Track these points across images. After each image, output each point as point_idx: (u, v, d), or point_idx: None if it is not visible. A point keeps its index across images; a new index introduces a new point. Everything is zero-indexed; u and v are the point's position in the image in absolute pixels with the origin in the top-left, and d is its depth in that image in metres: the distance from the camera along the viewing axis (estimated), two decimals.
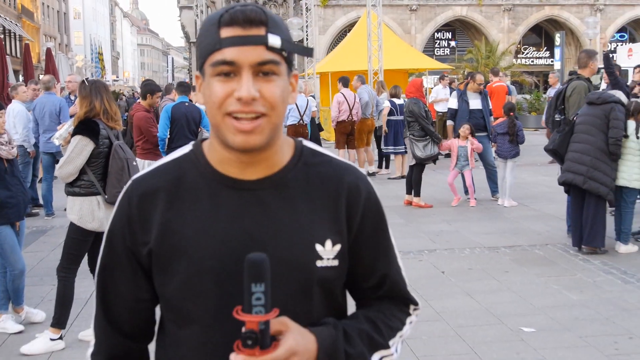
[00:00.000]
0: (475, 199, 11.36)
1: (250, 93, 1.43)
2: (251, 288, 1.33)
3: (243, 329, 1.34)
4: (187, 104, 9.82)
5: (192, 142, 1.66)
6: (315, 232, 1.57)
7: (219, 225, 1.52)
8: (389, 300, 1.72)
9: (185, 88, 10.40)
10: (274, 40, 1.45)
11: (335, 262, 1.58)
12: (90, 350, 1.68)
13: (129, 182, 1.62)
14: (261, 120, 1.46)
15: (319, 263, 1.56)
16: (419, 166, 11.37)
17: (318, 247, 1.56)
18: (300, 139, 1.68)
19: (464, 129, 11.27)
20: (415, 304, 1.77)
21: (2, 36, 34.53)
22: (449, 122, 12.05)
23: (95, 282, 1.67)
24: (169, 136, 9.56)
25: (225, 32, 1.45)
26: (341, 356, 1.53)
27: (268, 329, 1.36)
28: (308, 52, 1.58)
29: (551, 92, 15.07)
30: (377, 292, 1.71)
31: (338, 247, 1.59)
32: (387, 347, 1.65)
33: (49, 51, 24.55)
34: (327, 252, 1.57)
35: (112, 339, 1.65)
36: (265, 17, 1.46)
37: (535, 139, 18.77)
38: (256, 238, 1.51)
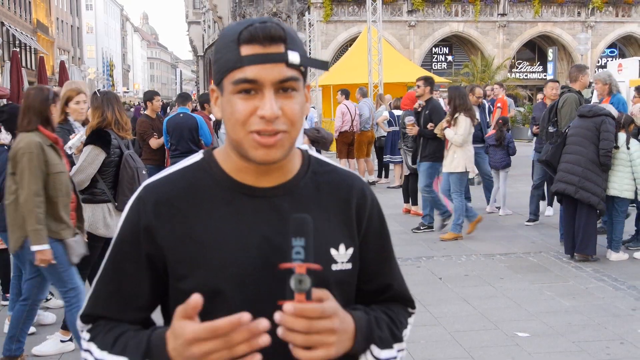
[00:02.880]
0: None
1: (274, 112, 1.41)
2: (292, 242, 1.31)
3: (292, 278, 1.30)
4: (182, 115, 9.78)
5: (202, 151, 1.62)
6: (329, 236, 1.56)
7: (237, 232, 1.49)
8: (393, 302, 1.71)
9: (183, 99, 10.41)
10: (294, 58, 1.43)
11: (349, 266, 1.58)
12: (86, 329, 1.56)
13: (141, 188, 1.56)
14: (281, 136, 1.44)
15: (334, 267, 1.55)
16: (413, 176, 11.38)
17: (333, 251, 1.55)
18: (305, 147, 1.67)
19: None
20: (413, 307, 1.76)
21: (17, 49, 34.59)
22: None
23: (93, 287, 1.57)
24: (169, 147, 9.65)
25: (246, 50, 1.42)
26: (376, 337, 1.53)
27: (312, 284, 1.31)
28: (324, 66, 1.55)
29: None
30: (381, 295, 1.70)
31: (351, 250, 1.58)
32: (402, 340, 1.64)
33: (62, 64, 24.63)
34: (341, 256, 1.56)
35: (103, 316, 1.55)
36: (284, 34, 1.43)
37: (529, 150, 18.69)
38: (274, 244, 1.48)
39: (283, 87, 1.43)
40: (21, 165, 4.70)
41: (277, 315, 1.31)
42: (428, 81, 10.10)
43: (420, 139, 9.89)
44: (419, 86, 10.06)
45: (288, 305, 1.29)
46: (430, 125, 9.70)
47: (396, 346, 1.61)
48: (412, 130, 9.97)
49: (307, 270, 1.29)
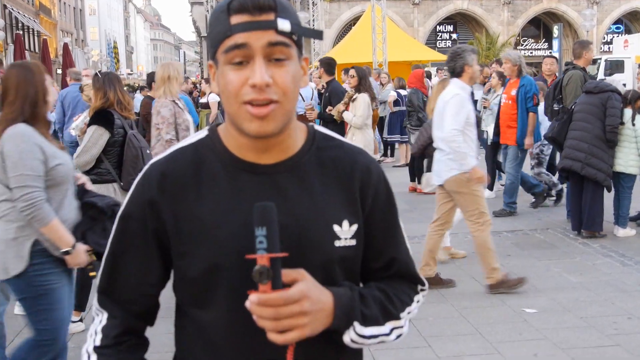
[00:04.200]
0: None
1: (264, 79, 1.39)
2: (255, 232, 1.32)
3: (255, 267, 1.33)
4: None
5: (207, 127, 1.62)
6: (332, 213, 1.54)
7: (239, 209, 1.49)
8: (398, 279, 1.69)
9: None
10: (283, 24, 1.42)
11: (353, 242, 1.56)
12: (100, 326, 1.60)
13: (147, 166, 1.57)
14: (274, 106, 1.42)
15: (337, 243, 1.54)
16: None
17: (336, 227, 1.54)
18: (311, 123, 1.65)
19: None
20: (423, 284, 1.74)
21: (20, 32, 34.52)
22: None
23: (103, 263, 1.60)
24: None
25: (235, 19, 1.42)
26: (357, 314, 1.51)
27: (279, 270, 1.34)
28: (318, 34, 1.53)
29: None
30: (386, 272, 1.68)
31: (355, 227, 1.57)
32: (399, 318, 1.61)
33: (66, 46, 24.58)
34: (345, 232, 1.55)
35: (122, 315, 1.59)
36: (274, 3, 1.42)
37: None
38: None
39: (274, 55, 1.42)
40: None
41: (247, 303, 1.35)
42: (323, 63, 9.74)
43: (320, 122, 9.42)
44: (317, 68, 9.77)
45: (252, 297, 1.35)
46: (329, 109, 9.34)
47: (389, 324, 1.58)
48: (312, 114, 9.65)
49: (272, 259, 1.32)
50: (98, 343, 1.58)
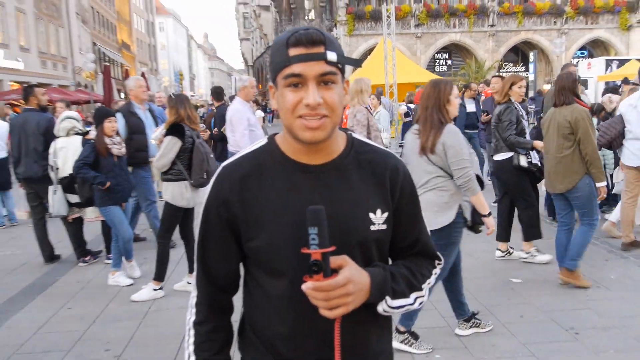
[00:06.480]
0: None
1: (317, 100, 1.41)
2: (309, 230, 1.34)
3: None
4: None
5: (267, 137, 1.63)
6: (368, 203, 1.54)
7: (295, 201, 1.49)
8: (420, 256, 1.69)
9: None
10: (332, 56, 1.42)
11: (384, 226, 1.56)
12: (194, 300, 1.65)
13: (220, 168, 1.58)
14: (324, 120, 1.44)
15: (372, 227, 1.54)
16: None
17: (371, 215, 1.54)
18: (350, 132, 1.65)
19: None
20: (439, 259, 1.74)
21: (108, 64, 34.90)
22: None
23: (196, 248, 1.63)
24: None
25: (293, 52, 1.42)
26: (389, 289, 1.52)
27: (328, 261, 1.35)
28: (358, 63, 1.53)
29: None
30: (411, 250, 1.68)
31: (386, 214, 1.57)
32: (421, 289, 1.62)
33: (143, 74, 24.77)
34: (378, 219, 1.55)
35: (210, 292, 1.63)
36: (324, 38, 1.42)
37: None
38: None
39: (324, 81, 1.42)
40: (583, 127, 5.12)
41: (303, 287, 1.37)
42: (212, 92, 9.21)
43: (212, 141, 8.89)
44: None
45: (307, 284, 1.36)
46: (215, 131, 8.82)
47: (413, 295, 1.59)
48: (204, 134, 8.95)
49: (323, 254, 1.33)
50: (194, 317, 1.64)
